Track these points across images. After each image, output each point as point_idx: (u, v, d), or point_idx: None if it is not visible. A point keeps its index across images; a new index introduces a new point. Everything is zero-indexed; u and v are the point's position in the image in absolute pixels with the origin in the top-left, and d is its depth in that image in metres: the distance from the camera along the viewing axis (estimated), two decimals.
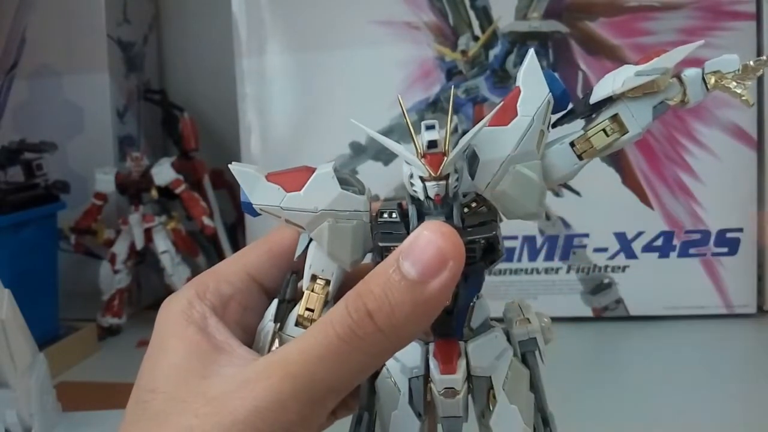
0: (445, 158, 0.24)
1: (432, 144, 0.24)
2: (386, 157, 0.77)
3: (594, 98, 0.27)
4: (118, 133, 0.86)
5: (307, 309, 0.27)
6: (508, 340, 0.28)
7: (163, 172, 0.78)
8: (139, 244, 0.78)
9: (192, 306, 0.27)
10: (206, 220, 0.79)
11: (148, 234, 0.79)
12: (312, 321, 0.27)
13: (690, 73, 0.26)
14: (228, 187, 0.91)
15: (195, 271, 0.81)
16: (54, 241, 0.78)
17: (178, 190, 0.79)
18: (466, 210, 0.26)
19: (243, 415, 0.23)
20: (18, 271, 0.68)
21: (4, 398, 0.50)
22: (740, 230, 0.74)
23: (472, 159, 0.26)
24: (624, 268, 0.76)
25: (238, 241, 0.90)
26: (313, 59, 0.78)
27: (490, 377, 0.27)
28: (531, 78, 0.27)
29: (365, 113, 0.75)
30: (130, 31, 0.89)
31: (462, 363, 0.27)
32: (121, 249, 0.79)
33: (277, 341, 0.27)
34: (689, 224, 0.75)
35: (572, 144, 0.27)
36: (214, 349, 0.26)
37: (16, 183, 0.74)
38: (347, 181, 0.27)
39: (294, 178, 0.27)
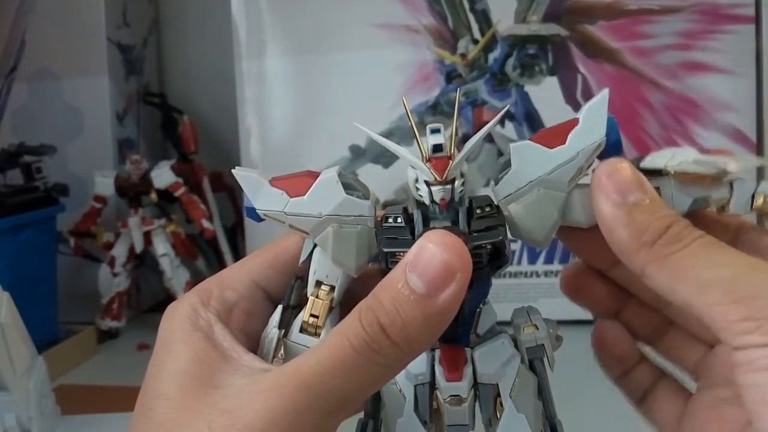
0: (451, 162, 0.24)
1: (437, 148, 0.24)
2: (386, 160, 0.77)
3: (645, 164, 0.27)
4: (118, 136, 0.86)
5: (312, 315, 0.27)
6: (516, 346, 0.28)
7: (163, 175, 0.78)
8: (139, 247, 0.78)
9: (197, 313, 0.27)
10: (206, 223, 0.79)
11: (147, 237, 0.78)
12: (317, 327, 0.27)
13: (743, 186, 0.26)
14: (227, 190, 0.91)
15: (194, 274, 0.81)
16: (53, 244, 0.78)
17: (177, 193, 0.79)
18: (477, 212, 0.25)
19: (259, 427, 0.23)
20: (17, 274, 0.68)
21: (3, 401, 0.50)
22: None
23: (505, 165, 0.26)
24: None
25: (237, 244, 0.90)
26: (312, 62, 0.78)
27: (497, 384, 0.27)
28: (593, 115, 0.26)
29: (365, 116, 0.75)
30: (129, 34, 0.89)
31: (468, 370, 0.27)
32: (120, 252, 0.79)
33: (282, 348, 0.27)
34: None
35: None
36: (221, 356, 0.25)
37: (15, 186, 0.74)
38: (352, 185, 0.27)
39: (298, 182, 0.27)
